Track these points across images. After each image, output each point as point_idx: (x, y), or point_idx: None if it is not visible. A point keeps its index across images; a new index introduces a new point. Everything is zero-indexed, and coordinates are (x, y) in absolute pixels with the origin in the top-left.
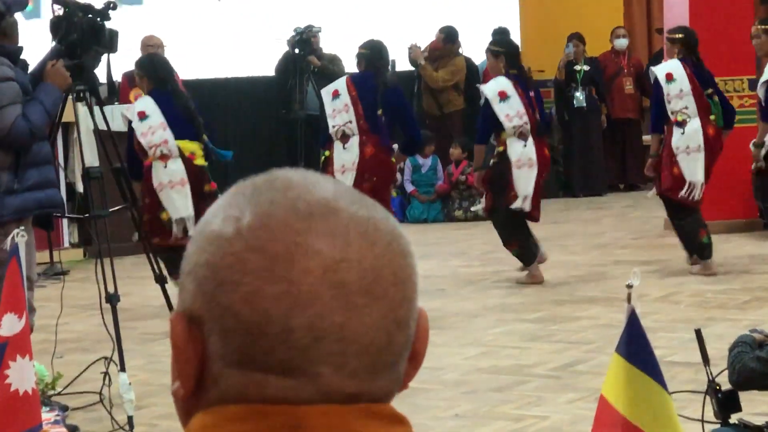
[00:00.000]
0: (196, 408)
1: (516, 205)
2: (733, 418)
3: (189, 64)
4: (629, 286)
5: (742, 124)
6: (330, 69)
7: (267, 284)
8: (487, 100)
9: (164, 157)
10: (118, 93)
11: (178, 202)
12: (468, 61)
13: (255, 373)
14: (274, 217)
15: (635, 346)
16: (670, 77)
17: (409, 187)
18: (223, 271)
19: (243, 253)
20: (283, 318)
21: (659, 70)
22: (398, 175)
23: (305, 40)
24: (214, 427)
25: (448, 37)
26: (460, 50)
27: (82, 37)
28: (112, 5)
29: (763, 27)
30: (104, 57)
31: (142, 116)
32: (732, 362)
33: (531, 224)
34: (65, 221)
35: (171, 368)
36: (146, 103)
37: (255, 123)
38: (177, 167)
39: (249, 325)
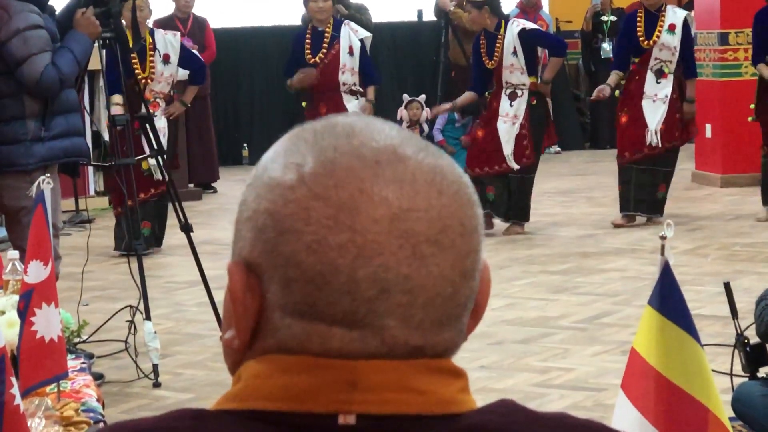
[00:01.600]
0: (249, 356)
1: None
2: (762, 372)
3: (216, 13)
4: (663, 237)
5: None
6: (357, 18)
7: (331, 233)
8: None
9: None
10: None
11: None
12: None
13: (318, 324)
14: (338, 163)
15: (668, 299)
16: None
17: (438, 136)
18: (285, 220)
19: (306, 200)
20: (349, 268)
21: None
22: (425, 126)
23: None
24: (267, 377)
25: None
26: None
27: None
28: None
29: None
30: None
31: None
32: (760, 314)
33: (558, 176)
34: (91, 169)
35: (224, 316)
36: None
37: (281, 71)
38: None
39: (313, 275)
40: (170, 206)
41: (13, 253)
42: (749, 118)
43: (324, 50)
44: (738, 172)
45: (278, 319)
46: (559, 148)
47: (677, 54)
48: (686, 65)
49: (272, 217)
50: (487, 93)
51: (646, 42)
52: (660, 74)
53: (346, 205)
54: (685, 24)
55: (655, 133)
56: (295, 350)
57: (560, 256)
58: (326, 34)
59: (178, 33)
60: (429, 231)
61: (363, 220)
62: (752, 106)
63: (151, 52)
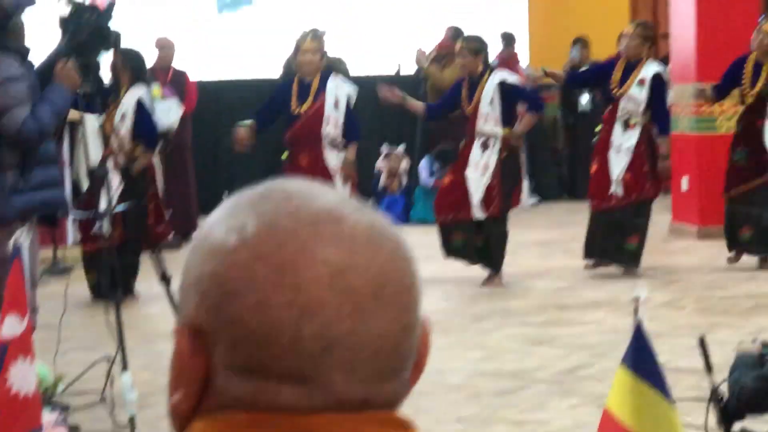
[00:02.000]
0: (197, 417)
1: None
2: (737, 427)
3: (197, 67)
4: (636, 300)
5: None
6: (335, 69)
7: (275, 293)
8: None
9: None
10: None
11: None
12: None
13: (266, 382)
14: (278, 225)
15: (642, 360)
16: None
17: (430, 181)
18: (229, 282)
19: (249, 262)
20: (293, 326)
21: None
22: (403, 177)
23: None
24: None
25: (456, 34)
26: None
27: (90, 37)
28: (114, 3)
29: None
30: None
31: None
32: (731, 387)
33: (536, 228)
34: (69, 218)
35: (171, 379)
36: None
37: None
38: None
39: (259, 334)
40: (147, 256)
41: None
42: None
43: (311, 101)
44: (714, 224)
45: (226, 379)
46: (537, 200)
47: (643, 107)
48: (659, 122)
49: (216, 280)
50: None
51: (615, 91)
52: (626, 125)
53: (288, 265)
54: (658, 80)
55: (618, 183)
56: (245, 408)
57: (538, 307)
58: (313, 85)
59: (142, 94)
60: (369, 287)
61: (305, 279)
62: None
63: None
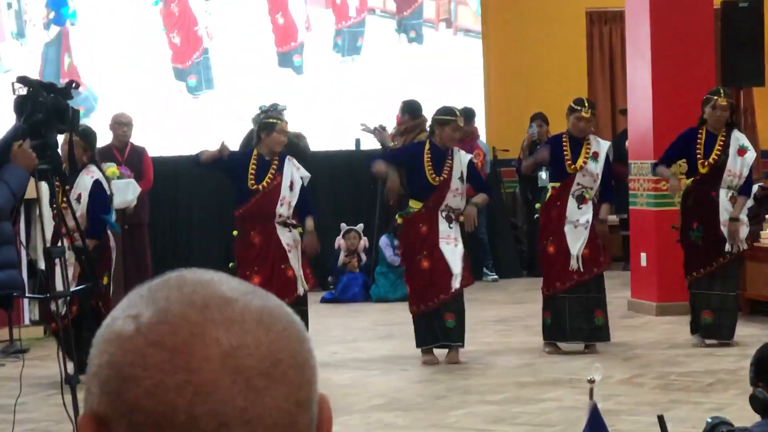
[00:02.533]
0: None
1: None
2: None
3: (154, 142)
4: (591, 381)
5: None
6: (295, 143)
7: (168, 376)
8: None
9: None
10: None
11: None
12: None
13: None
14: (170, 311)
15: None
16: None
17: (396, 261)
18: (125, 368)
19: (143, 348)
20: (188, 407)
21: None
22: (362, 255)
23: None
24: None
25: (411, 111)
26: (427, 125)
27: (47, 116)
28: (74, 84)
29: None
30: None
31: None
32: None
33: (495, 304)
34: (26, 299)
35: None
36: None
37: (220, 199)
38: None
39: (155, 417)
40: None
41: None
42: (677, 239)
43: (269, 179)
44: (673, 300)
45: None
46: (496, 276)
47: (598, 181)
48: (604, 191)
49: (113, 368)
50: (398, 215)
51: (572, 167)
52: (581, 200)
53: (180, 349)
54: (608, 153)
55: (577, 258)
56: None
57: (498, 385)
58: (273, 165)
59: (98, 176)
60: (260, 365)
61: (197, 360)
62: (673, 227)
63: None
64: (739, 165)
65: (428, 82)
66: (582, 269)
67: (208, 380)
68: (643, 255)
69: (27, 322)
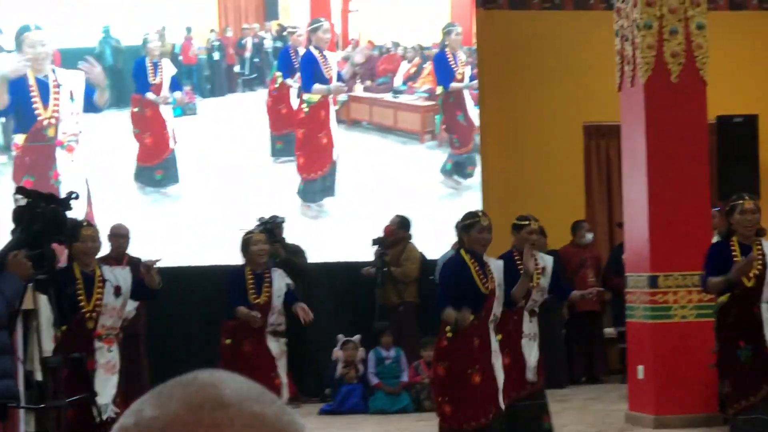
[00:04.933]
0: None
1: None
2: None
3: (152, 252)
4: None
5: (701, 318)
6: (292, 261)
7: None
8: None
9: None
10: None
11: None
12: (422, 255)
13: None
14: (167, 408)
15: None
16: None
17: (374, 380)
18: None
19: None
20: None
21: None
22: (360, 366)
23: (269, 230)
24: None
25: (402, 224)
26: (412, 241)
27: (45, 227)
28: (74, 195)
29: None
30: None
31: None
32: None
33: None
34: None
35: None
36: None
37: (219, 310)
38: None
39: None
40: None
41: None
42: (709, 365)
43: (267, 292)
44: (671, 413)
45: None
46: None
47: (545, 295)
48: (561, 293)
49: None
50: (448, 328)
51: (531, 285)
52: (533, 314)
53: None
54: (555, 265)
55: (533, 369)
56: None
57: None
58: (266, 277)
59: (128, 267)
60: None
61: None
62: (713, 350)
63: (100, 285)
64: None
65: (424, 196)
66: (536, 379)
67: None
68: (640, 368)
69: None
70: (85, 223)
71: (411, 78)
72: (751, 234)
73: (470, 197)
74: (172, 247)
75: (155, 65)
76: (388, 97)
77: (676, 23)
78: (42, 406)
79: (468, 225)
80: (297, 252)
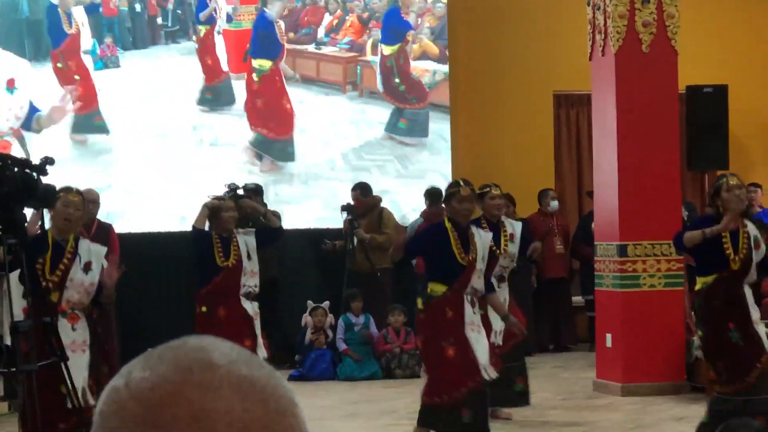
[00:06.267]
0: None
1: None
2: None
3: (123, 218)
4: None
5: (669, 287)
6: (263, 222)
7: (140, 429)
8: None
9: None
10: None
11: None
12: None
13: None
14: (156, 370)
15: None
16: None
17: (342, 346)
18: (108, 418)
19: (124, 401)
20: None
21: None
22: (329, 332)
23: (238, 196)
24: None
25: (363, 191)
26: (382, 204)
27: (15, 190)
28: (49, 160)
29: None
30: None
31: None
32: None
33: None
34: None
35: None
36: None
37: (189, 277)
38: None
39: None
40: None
41: None
42: (699, 347)
43: (235, 254)
44: (638, 381)
45: None
46: None
47: (515, 262)
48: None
49: (102, 417)
50: (419, 299)
51: (498, 251)
52: (501, 279)
53: (155, 405)
54: (525, 229)
55: (498, 333)
56: None
57: None
58: (234, 240)
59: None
60: (228, 430)
61: (167, 417)
62: (700, 333)
63: (69, 257)
64: (755, 260)
65: (393, 163)
66: (503, 343)
67: None
68: (609, 336)
69: None
70: (73, 190)
71: (333, 30)
72: (742, 209)
73: (441, 159)
74: (144, 212)
75: (68, 15)
76: (311, 48)
77: None
78: (13, 369)
79: (449, 195)
80: (275, 214)
